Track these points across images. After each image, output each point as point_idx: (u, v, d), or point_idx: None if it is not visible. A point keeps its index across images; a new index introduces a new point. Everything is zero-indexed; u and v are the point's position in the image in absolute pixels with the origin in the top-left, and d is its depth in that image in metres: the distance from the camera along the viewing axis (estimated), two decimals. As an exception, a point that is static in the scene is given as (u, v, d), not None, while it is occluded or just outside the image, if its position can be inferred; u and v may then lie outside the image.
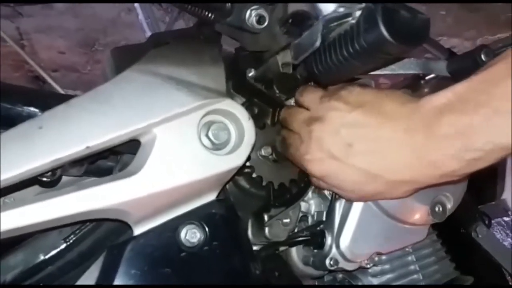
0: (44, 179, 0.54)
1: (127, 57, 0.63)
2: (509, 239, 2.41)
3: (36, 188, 0.58)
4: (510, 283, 0.95)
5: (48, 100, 0.58)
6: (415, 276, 0.75)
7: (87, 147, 0.52)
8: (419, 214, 0.69)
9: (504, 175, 1.34)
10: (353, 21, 0.51)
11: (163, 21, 2.39)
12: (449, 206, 0.69)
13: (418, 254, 0.76)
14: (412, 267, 0.75)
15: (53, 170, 0.53)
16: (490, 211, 1.00)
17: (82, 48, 2.45)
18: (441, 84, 0.86)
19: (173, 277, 0.57)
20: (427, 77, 0.88)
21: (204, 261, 0.58)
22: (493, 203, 1.33)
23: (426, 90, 0.89)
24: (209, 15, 0.62)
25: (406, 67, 0.66)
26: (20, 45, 2.29)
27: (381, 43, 0.47)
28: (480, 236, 0.87)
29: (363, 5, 0.50)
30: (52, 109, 0.53)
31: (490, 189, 1.32)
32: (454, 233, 0.86)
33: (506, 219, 2.47)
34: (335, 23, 0.53)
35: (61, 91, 0.97)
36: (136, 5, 2.32)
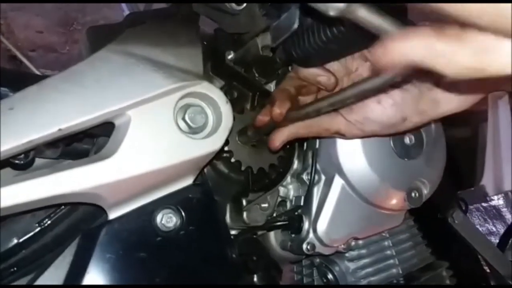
0: (17, 161, 0.52)
1: (102, 36, 0.62)
2: (487, 225, 2.46)
3: (8, 171, 0.57)
4: (485, 269, 0.97)
5: (19, 80, 0.56)
6: (391, 261, 0.76)
7: (60, 129, 0.50)
8: (395, 199, 0.69)
9: (483, 161, 1.37)
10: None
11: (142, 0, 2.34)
12: (425, 191, 0.70)
13: (394, 239, 0.77)
14: (388, 252, 0.76)
15: (26, 153, 0.52)
16: (469, 197, 1.02)
17: (61, 28, 2.39)
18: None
19: (148, 262, 0.56)
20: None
21: (180, 245, 0.58)
22: (472, 189, 1.35)
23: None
24: (188, -5, 0.60)
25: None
26: (-4, 24, 2.23)
27: (359, 26, 0.46)
28: (456, 221, 0.88)
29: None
30: (23, 90, 0.52)
31: (469, 175, 1.33)
32: (431, 218, 0.87)
33: (484, 204, 2.52)
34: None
35: (36, 71, 0.94)
36: (116, -16, 2.27)
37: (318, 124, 0.61)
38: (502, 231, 2.46)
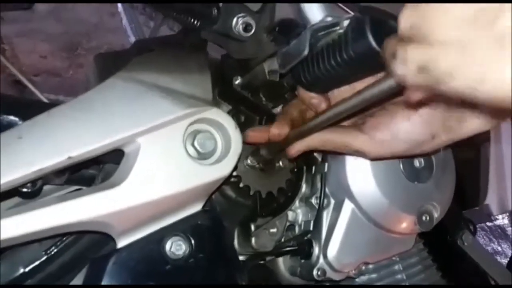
0: (25, 190, 0.52)
1: (110, 64, 0.62)
2: (493, 244, 2.44)
3: (16, 199, 0.56)
4: (495, 291, 0.95)
5: (28, 108, 0.57)
6: (402, 285, 0.75)
7: (69, 157, 0.50)
8: (406, 223, 0.68)
9: (487, 180, 1.36)
10: (341, 31, 0.51)
11: (148, 26, 2.37)
12: (436, 215, 0.69)
13: (405, 263, 0.76)
14: (399, 276, 0.75)
15: (34, 181, 0.52)
16: (474, 217, 1.01)
17: (64, 53, 2.42)
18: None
19: (158, 290, 0.55)
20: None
21: (189, 273, 0.57)
22: (477, 208, 1.33)
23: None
24: (195, 22, 0.61)
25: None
26: (1, 49, 2.25)
27: (369, 53, 0.46)
28: (466, 244, 0.87)
29: (351, 14, 0.49)
30: (32, 118, 0.52)
31: (473, 195, 1.33)
32: (440, 240, 0.86)
33: (489, 224, 2.50)
34: (323, 32, 0.52)
35: (41, 96, 0.95)
36: (120, 9, 2.29)
37: (336, 140, 0.59)
38: (507, 250, 2.44)
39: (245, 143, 0.62)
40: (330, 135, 0.59)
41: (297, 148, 0.61)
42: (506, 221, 2.50)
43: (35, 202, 0.54)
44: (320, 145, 0.61)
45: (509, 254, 2.38)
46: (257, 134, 0.62)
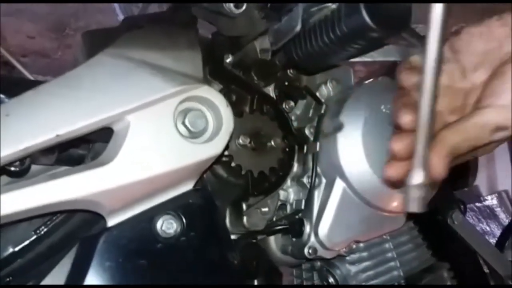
0: (12, 168, 0.51)
1: (99, 41, 0.61)
2: (481, 225, 2.48)
3: (4, 178, 0.55)
4: (484, 270, 0.97)
5: (15, 86, 0.55)
6: (392, 263, 0.76)
7: (57, 135, 0.49)
8: (397, 202, 0.69)
9: (476, 161, 1.37)
10: (334, 6, 0.50)
11: (137, 6, 2.33)
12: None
13: (395, 242, 0.76)
14: (389, 254, 0.76)
15: (22, 159, 0.51)
16: (463, 197, 1.02)
17: (53, 33, 2.37)
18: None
19: (149, 269, 0.55)
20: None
21: (181, 252, 0.57)
22: (466, 189, 1.35)
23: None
24: (185, -3, 0.60)
25: (385, 54, 0.66)
26: (-14, 29, 2.20)
27: (363, 29, 0.46)
28: (456, 222, 0.87)
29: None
30: (19, 96, 0.51)
31: (462, 176, 1.33)
32: (431, 220, 0.86)
33: (478, 204, 2.53)
34: (315, 8, 0.51)
35: (31, 77, 0.93)
36: (109, -12, 2.25)
37: (470, 129, 0.48)
38: (496, 230, 2.48)
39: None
40: (464, 127, 0.48)
41: (441, 163, 0.46)
42: (494, 201, 2.53)
43: (23, 181, 0.53)
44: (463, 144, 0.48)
45: (498, 234, 2.42)
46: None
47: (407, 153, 0.46)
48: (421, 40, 0.99)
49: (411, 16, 0.50)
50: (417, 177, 0.40)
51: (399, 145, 0.46)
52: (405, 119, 0.46)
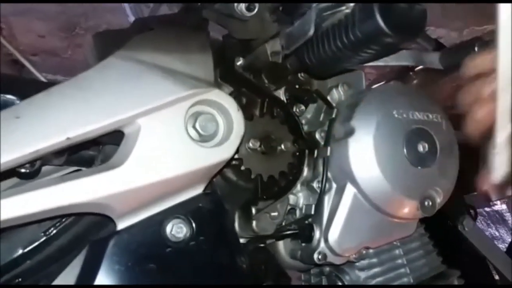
0: (23, 170, 0.51)
1: (109, 43, 0.61)
2: (490, 230, 2.46)
3: (14, 180, 0.55)
4: (495, 277, 0.96)
5: (26, 87, 0.55)
6: (402, 270, 0.75)
7: (68, 138, 0.49)
8: (408, 208, 0.68)
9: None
10: (348, 11, 0.49)
11: (147, 6, 2.33)
12: (438, 200, 0.69)
13: (405, 248, 0.75)
14: (399, 260, 0.75)
15: (32, 162, 0.51)
16: (473, 202, 1.01)
17: (63, 32, 2.38)
18: (430, 75, 0.85)
19: (158, 273, 0.55)
20: (416, 69, 0.87)
21: (190, 256, 0.57)
22: (476, 193, 1.33)
23: (415, 81, 0.89)
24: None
25: (398, 58, 0.65)
26: (-2, 28, 2.22)
27: (377, 34, 0.45)
28: (466, 229, 0.87)
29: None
30: (30, 98, 0.51)
31: (472, 180, 1.32)
32: (441, 226, 0.85)
33: (487, 209, 2.51)
34: (328, 12, 0.51)
35: (40, 76, 0.94)
36: (119, -12, 2.26)
37: None
38: (505, 235, 2.45)
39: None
40: None
41: None
42: (504, 206, 2.51)
43: (33, 183, 0.53)
44: None
45: (507, 240, 2.40)
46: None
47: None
48: (432, 42, 0.98)
49: (426, 19, 0.49)
50: (503, 132, 0.37)
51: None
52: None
